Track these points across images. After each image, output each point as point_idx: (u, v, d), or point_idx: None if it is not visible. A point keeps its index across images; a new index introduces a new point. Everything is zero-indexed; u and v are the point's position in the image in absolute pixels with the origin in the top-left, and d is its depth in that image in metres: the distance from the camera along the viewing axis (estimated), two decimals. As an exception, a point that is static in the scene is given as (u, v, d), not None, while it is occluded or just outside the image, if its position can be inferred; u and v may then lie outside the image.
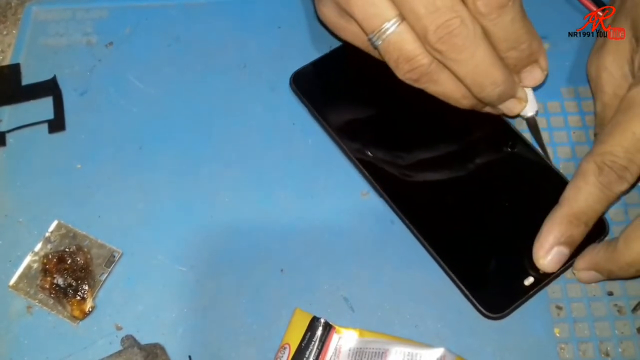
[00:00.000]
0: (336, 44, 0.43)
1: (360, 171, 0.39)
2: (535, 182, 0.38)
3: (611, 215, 0.37)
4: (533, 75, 0.37)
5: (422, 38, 0.34)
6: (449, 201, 0.38)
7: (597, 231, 0.36)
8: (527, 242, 0.35)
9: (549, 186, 0.37)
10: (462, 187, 0.38)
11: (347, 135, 0.40)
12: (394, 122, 0.40)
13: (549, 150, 0.40)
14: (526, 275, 0.35)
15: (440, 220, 0.37)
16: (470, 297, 0.35)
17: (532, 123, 0.39)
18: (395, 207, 0.37)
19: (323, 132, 0.41)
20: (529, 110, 0.38)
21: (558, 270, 0.35)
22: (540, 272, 0.35)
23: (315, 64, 0.43)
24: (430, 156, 0.39)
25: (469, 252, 0.36)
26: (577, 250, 0.35)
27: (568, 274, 0.36)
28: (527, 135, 0.40)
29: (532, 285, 0.35)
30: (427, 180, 0.38)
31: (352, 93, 0.42)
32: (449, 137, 0.40)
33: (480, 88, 0.35)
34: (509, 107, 0.37)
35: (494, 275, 0.35)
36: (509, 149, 0.39)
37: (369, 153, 0.39)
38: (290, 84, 0.42)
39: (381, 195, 0.38)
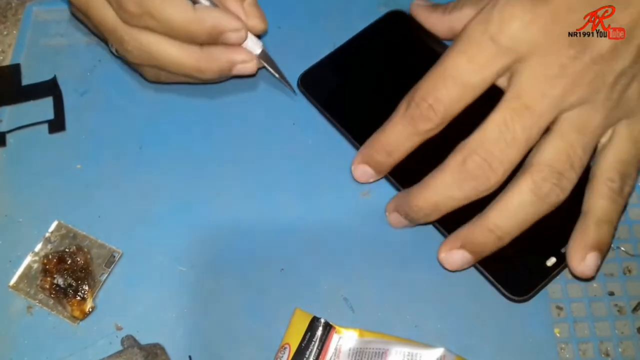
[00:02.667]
0: (339, 42, 0.43)
1: None
2: None
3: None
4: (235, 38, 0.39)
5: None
6: None
7: None
8: (547, 222, 0.34)
9: None
10: None
11: (361, 133, 0.39)
12: None
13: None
14: (548, 256, 0.35)
15: (458, 210, 0.36)
16: (494, 281, 0.34)
17: (264, 58, 0.41)
18: None
19: (323, 132, 0.41)
20: (255, 49, 0.41)
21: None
22: (562, 251, 0.34)
23: (322, 63, 0.42)
24: (441, 151, 0.39)
25: None
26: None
27: (568, 273, 0.36)
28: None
29: (555, 266, 0.34)
30: None
31: (362, 90, 0.41)
32: (458, 134, 0.39)
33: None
34: (238, 69, 0.40)
35: (515, 257, 0.35)
36: None
37: None
38: (297, 85, 0.42)
39: (395, 188, 0.38)
